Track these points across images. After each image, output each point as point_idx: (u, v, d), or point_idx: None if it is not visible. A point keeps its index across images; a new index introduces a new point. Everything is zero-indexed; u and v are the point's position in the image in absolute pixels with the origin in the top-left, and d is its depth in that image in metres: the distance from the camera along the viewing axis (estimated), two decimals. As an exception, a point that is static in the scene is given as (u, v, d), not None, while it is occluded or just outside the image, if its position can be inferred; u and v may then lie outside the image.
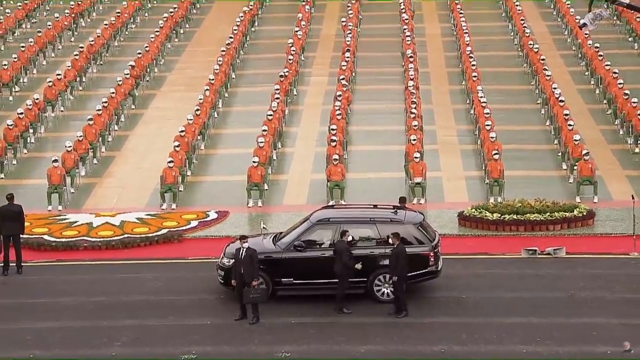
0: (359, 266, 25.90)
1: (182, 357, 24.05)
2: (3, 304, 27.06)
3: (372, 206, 28.53)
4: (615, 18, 49.09)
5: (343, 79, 40.79)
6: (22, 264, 28.74)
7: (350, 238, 26.10)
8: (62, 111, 41.39)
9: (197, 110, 37.69)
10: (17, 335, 25.34)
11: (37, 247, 30.30)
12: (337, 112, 37.19)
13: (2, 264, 28.66)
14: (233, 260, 26.74)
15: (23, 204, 32.21)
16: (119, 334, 25.19)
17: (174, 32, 50.84)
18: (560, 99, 37.74)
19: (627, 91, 38.26)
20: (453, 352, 24.19)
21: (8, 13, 53.16)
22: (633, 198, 30.55)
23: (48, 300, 27.27)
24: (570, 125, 35.26)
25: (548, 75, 40.54)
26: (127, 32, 51.49)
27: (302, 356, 24.07)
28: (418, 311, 25.95)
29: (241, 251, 25.80)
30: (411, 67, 41.72)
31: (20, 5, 53.98)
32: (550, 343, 24.49)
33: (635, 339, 24.54)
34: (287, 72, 41.86)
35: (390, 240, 25.97)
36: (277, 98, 38.77)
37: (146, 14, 54.61)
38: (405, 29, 47.50)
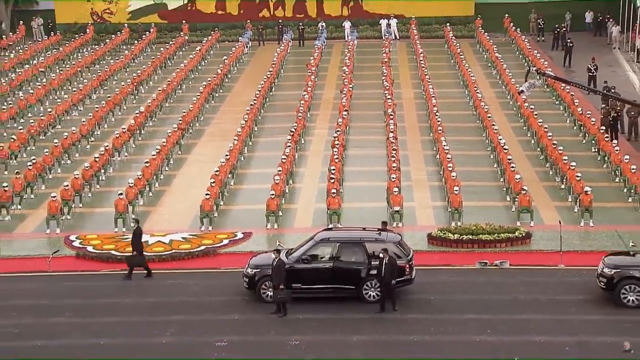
0: None
1: (216, 344, 24.07)
2: (80, 304, 27.03)
3: (361, 229, 28.43)
4: (545, 86, 49.07)
5: (339, 131, 40.78)
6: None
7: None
8: (126, 156, 41.34)
9: (227, 155, 37.67)
10: (91, 327, 25.37)
11: (107, 259, 30.18)
12: (335, 156, 37.18)
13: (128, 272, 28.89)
14: (256, 269, 26.88)
15: (96, 228, 32.47)
16: (168, 327, 25.24)
17: (211, 95, 50.86)
18: (504, 147, 37.67)
19: (554, 142, 38.20)
20: (423, 340, 24.27)
21: (86, 82, 53.27)
22: (560, 223, 30.57)
23: (114, 300, 27.29)
24: (512, 167, 35.21)
25: (495, 129, 40.50)
26: (175, 96, 51.49)
27: (308, 344, 24.06)
28: (397, 309, 25.90)
29: (273, 262, 25.93)
30: (391, 122, 41.70)
31: (95, 77, 54.13)
32: (497, 334, 24.52)
33: (564, 331, 24.48)
34: (296, 126, 41.88)
35: (381, 254, 25.98)
36: (289, 146, 38.74)
37: (190, 82, 54.65)
38: (386, 93, 47.49)
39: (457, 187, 32.98)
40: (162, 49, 61.59)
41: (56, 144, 39.95)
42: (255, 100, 47.11)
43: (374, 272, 26.19)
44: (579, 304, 26.22)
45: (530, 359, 22.93)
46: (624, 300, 25.71)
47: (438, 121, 42.04)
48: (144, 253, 29.29)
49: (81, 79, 55.34)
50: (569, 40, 57.20)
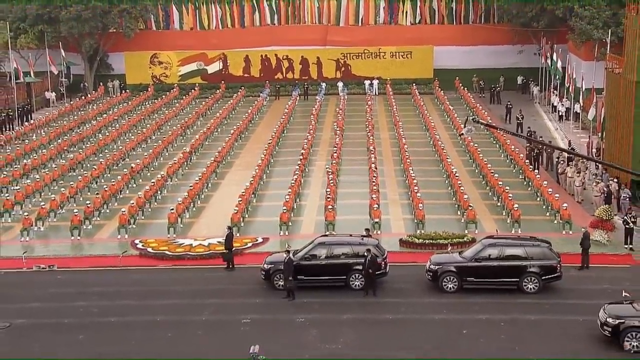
0: None
1: (242, 321, 23.88)
2: (142, 290, 26.90)
3: (349, 235, 28.34)
4: (485, 130, 48.94)
5: (334, 162, 40.72)
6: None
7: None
8: (176, 181, 41.28)
9: (251, 180, 37.63)
10: (150, 308, 25.24)
11: (161, 257, 30.05)
12: (331, 181, 37.13)
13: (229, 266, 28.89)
14: (270, 265, 26.77)
15: (152, 235, 32.26)
16: (206, 308, 25.08)
17: (239, 136, 50.87)
18: (456, 174, 37.64)
19: (492, 171, 38.22)
20: (396, 318, 24.16)
21: (148, 126, 53.34)
22: (497, 231, 30.46)
23: (167, 288, 27.17)
24: (461, 189, 35.16)
25: (449, 161, 40.47)
26: (213, 137, 51.46)
27: (311, 321, 23.91)
28: (376, 294, 25.74)
29: (284, 259, 25.88)
30: (372, 156, 41.71)
31: (154, 123, 54.32)
32: (452, 313, 24.36)
33: (508, 310, 24.22)
34: (302, 158, 41.83)
35: (365, 253, 25.90)
36: (297, 173, 38.72)
37: (223, 127, 54.63)
38: (369, 134, 47.54)
39: (421, 204, 32.91)
40: (203, 102, 61.77)
41: (125, 172, 39.96)
42: (271, 139, 47.15)
43: (359, 267, 26.14)
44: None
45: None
46: (445, 288, 26.02)
47: (407, 155, 42.09)
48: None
49: (144, 124, 55.38)
50: (508, 102, 57.00)
